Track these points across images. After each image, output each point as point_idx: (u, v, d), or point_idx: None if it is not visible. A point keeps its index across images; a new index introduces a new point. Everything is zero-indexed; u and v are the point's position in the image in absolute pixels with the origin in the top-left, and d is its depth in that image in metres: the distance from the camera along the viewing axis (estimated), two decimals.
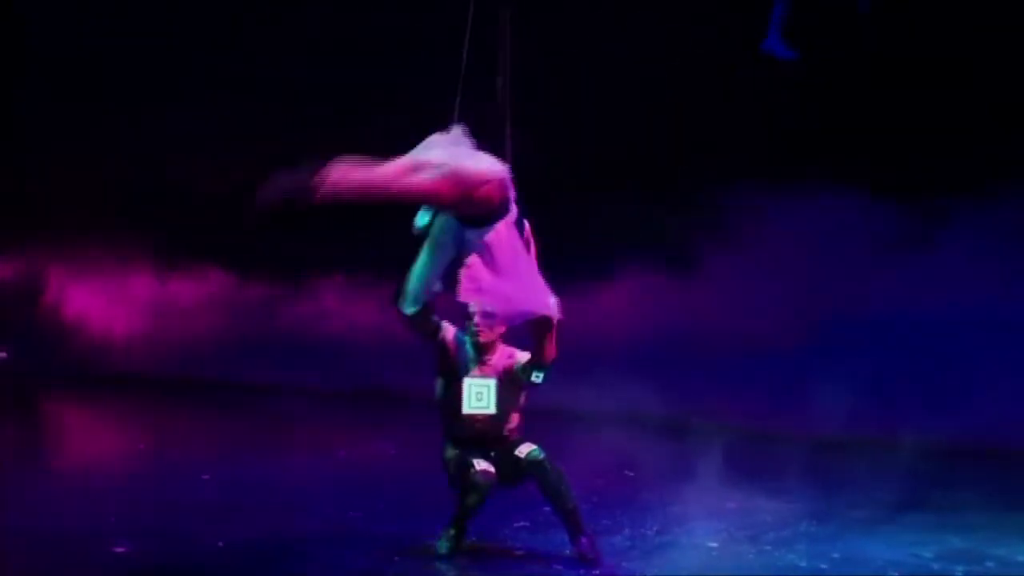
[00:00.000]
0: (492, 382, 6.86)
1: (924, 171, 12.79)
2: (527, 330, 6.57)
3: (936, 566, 6.69)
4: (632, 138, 14.30)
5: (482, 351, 6.92)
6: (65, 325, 16.23)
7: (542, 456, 6.79)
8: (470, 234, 6.01)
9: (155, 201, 16.05)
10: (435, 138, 6.00)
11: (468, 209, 5.96)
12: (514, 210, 6.10)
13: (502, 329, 6.89)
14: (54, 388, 14.60)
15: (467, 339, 6.94)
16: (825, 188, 12.68)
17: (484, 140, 6.22)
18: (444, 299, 6.49)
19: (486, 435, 6.90)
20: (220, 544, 7.00)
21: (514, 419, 6.97)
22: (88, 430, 12.83)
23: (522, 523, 7.41)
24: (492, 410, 6.86)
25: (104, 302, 16.56)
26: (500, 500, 7.01)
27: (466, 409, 6.87)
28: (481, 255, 5.98)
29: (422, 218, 6.21)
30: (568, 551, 6.79)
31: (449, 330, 6.93)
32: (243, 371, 15.02)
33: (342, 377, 15.27)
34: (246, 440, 11.08)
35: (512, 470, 6.84)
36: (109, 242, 15.96)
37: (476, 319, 6.84)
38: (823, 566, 6.65)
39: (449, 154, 5.89)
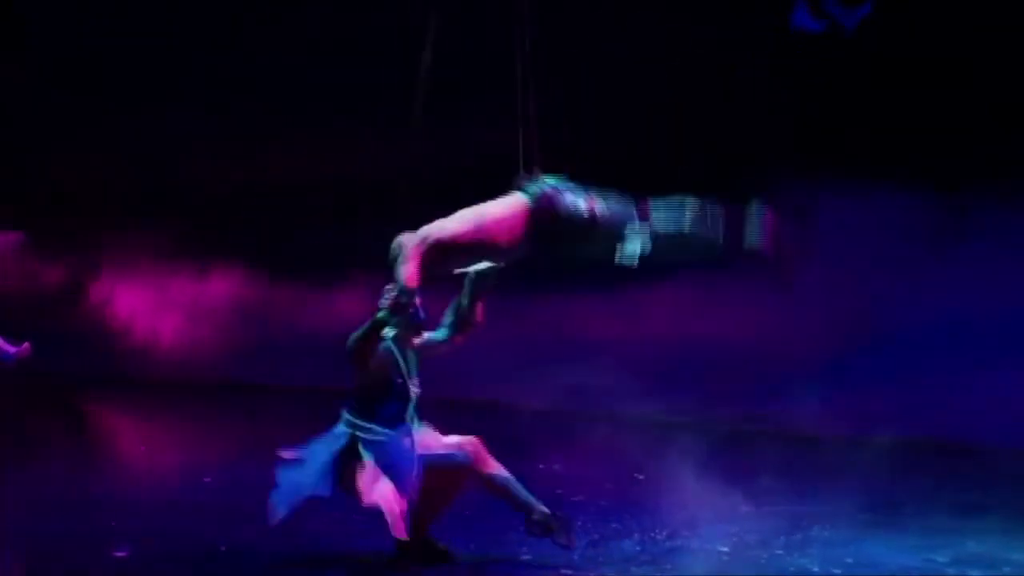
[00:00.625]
0: None
1: (923, 171, 12.78)
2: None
3: (951, 571, 6.60)
4: (632, 138, 14.27)
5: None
6: (72, 326, 16.16)
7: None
8: None
9: (156, 201, 16.02)
10: None
11: None
12: None
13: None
14: (59, 389, 14.52)
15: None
16: (825, 188, 12.65)
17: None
18: None
19: None
20: (222, 548, 6.95)
21: None
22: (90, 431, 12.77)
23: None
24: None
25: (110, 303, 16.50)
26: (504, 504, 6.92)
27: None
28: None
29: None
30: (576, 556, 6.71)
31: None
32: (244, 371, 14.98)
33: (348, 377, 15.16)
34: (250, 441, 11.00)
35: None
36: (110, 242, 15.91)
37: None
38: (836, 571, 6.57)
39: None
